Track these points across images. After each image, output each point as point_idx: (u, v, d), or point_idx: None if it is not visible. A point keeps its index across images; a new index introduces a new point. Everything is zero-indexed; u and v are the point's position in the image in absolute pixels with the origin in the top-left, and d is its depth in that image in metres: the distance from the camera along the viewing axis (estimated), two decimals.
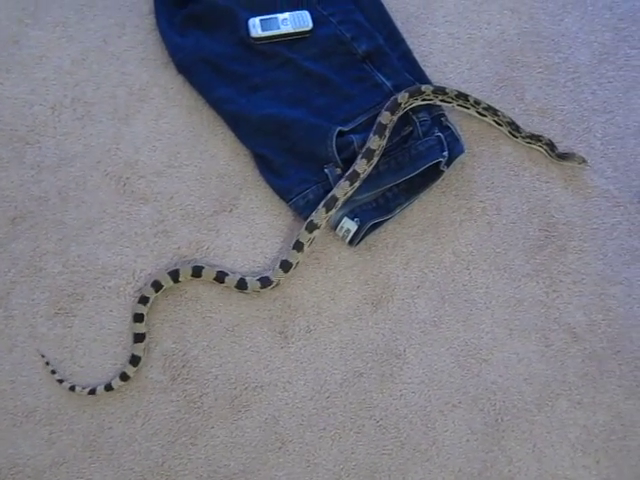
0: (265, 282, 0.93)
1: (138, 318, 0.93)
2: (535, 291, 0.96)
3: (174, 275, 0.94)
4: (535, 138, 0.99)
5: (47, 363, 0.92)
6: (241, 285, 0.93)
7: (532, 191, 0.99)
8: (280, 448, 0.91)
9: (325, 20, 1.03)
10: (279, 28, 1.02)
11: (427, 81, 1.01)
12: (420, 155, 0.94)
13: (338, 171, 0.95)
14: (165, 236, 0.98)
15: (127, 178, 1.00)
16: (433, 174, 0.96)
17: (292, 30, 1.02)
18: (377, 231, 0.97)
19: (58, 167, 1.01)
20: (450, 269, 0.96)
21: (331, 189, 0.94)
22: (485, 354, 0.93)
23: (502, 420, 0.91)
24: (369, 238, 0.96)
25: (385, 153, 0.96)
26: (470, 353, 0.93)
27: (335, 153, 0.95)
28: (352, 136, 0.96)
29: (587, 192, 0.99)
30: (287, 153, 0.97)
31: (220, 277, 0.93)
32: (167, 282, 0.94)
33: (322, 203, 0.93)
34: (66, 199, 0.99)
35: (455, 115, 1.01)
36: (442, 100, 0.98)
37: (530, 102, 1.03)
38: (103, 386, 0.91)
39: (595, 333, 0.94)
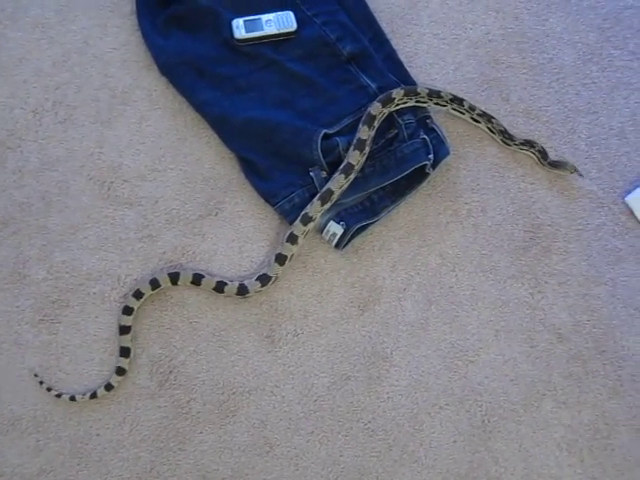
0: (264, 279, 0.93)
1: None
2: (520, 292, 0.96)
3: (174, 277, 0.93)
4: (528, 144, 0.99)
5: (41, 382, 0.92)
6: (242, 291, 0.92)
7: (517, 192, 1.00)
8: (268, 452, 0.91)
9: (309, 21, 1.02)
10: (263, 29, 1.01)
11: (412, 82, 1.01)
12: (405, 158, 0.94)
13: (324, 174, 0.95)
14: (150, 241, 0.97)
15: (111, 182, 0.99)
16: (419, 176, 0.96)
17: (276, 31, 1.01)
18: (363, 234, 0.97)
19: (41, 172, 0.99)
20: (436, 271, 0.97)
21: (317, 193, 0.94)
22: (471, 355, 0.94)
23: (488, 421, 0.92)
24: (356, 241, 0.96)
25: (370, 156, 0.96)
26: (457, 355, 0.94)
27: (320, 156, 0.94)
28: (337, 139, 0.95)
29: (572, 193, 1.00)
30: (272, 156, 0.96)
31: (219, 287, 0.93)
32: (166, 282, 0.93)
33: (317, 196, 0.93)
34: (49, 204, 0.98)
35: (440, 117, 1.01)
36: (436, 103, 0.98)
37: (515, 103, 1.03)
38: (103, 387, 0.91)
39: (580, 334, 0.95)
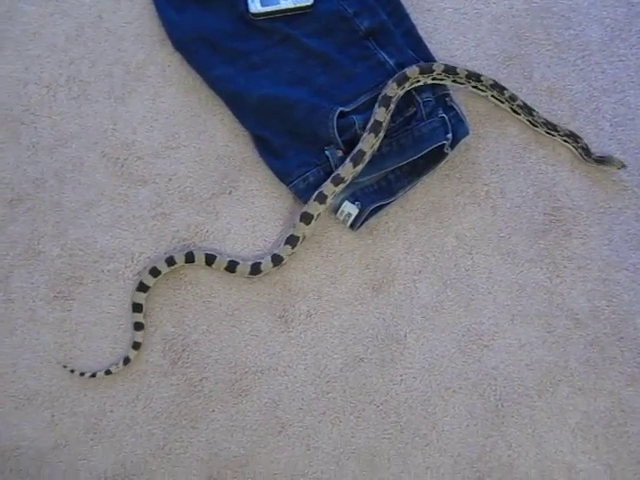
0: (276, 260, 0.92)
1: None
2: (538, 276, 0.94)
3: (189, 257, 0.93)
4: (572, 138, 0.95)
5: (72, 371, 0.92)
6: (254, 271, 0.92)
7: (538, 174, 0.97)
8: (280, 432, 0.91)
9: None
10: (279, 3, 0.98)
11: (432, 59, 0.98)
12: (423, 137, 0.92)
13: (339, 153, 0.93)
14: (164, 219, 0.97)
15: (124, 159, 0.98)
16: (437, 156, 0.94)
17: (292, 5, 0.98)
18: (379, 215, 0.95)
19: (54, 148, 0.99)
20: (452, 254, 0.95)
21: (332, 172, 0.92)
22: (487, 340, 0.93)
23: (502, 406, 0.91)
24: (371, 222, 0.95)
25: (388, 135, 0.94)
26: (471, 339, 0.93)
27: (336, 135, 0.92)
28: (354, 117, 0.93)
29: (594, 175, 0.97)
30: (287, 134, 0.95)
31: (231, 267, 0.92)
32: (181, 261, 0.93)
33: (331, 177, 0.91)
34: (63, 181, 0.98)
35: (460, 95, 0.98)
36: (474, 87, 0.96)
37: (538, 81, 1.00)
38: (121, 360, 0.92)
39: (598, 319, 0.93)
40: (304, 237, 0.92)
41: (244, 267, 0.92)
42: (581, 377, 0.92)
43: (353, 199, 0.93)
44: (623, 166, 0.95)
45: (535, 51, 1.01)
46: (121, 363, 0.91)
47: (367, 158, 0.91)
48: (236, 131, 0.99)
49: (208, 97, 1.00)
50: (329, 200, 0.91)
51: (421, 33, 1.00)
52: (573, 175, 0.97)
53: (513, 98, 0.96)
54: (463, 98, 0.98)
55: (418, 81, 0.94)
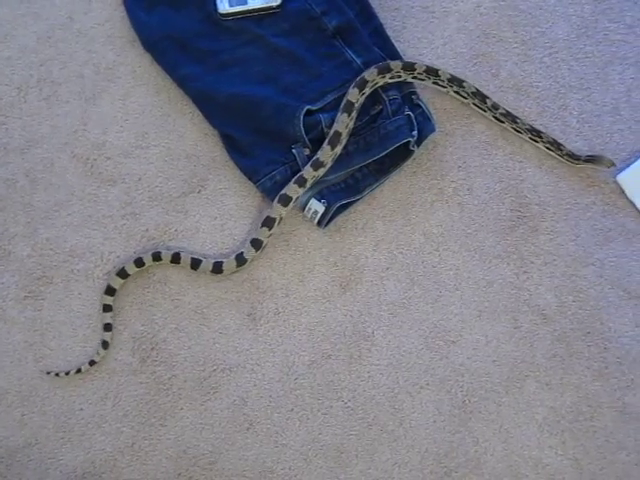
0: (240, 260, 0.92)
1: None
2: (505, 272, 0.95)
3: (156, 256, 0.93)
4: (556, 145, 0.95)
5: (48, 372, 0.93)
6: (216, 269, 0.92)
7: (505, 171, 0.98)
8: (248, 429, 0.92)
9: None
10: (247, 3, 0.99)
11: (399, 57, 0.98)
12: (389, 135, 0.92)
13: (306, 151, 0.94)
14: (133, 218, 0.97)
15: (94, 160, 0.99)
16: (403, 154, 0.94)
17: (260, 5, 0.99)
18: (347, 212, 0.95)
19: (25, 149, 0.99)
20: (420, 250, 0.95)
21: (299, 170, 0.93)
22: (454, 336, 0.93)
23: (469, 401, 0.92)
24: (339, 219, 0.95)
25: (354, 133, 0.94)
26: (439, 335, 0.93)
27: (303, 133, 0.93)
28: (320, 115, 0.94)
29: (561, 172, 0.97)
30: (255, 133, 0.95)
31: (195, 264, 0.93)
32: (149, 261, 0.94)
33: (295, 178, 0.91)
34: (34, 181, 0.98)
35: (428, 92, 0.99)
36: (456, 92, 0.96)
37: (505, 78, 1.00)
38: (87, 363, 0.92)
39: (565, 315, 0.94)
40: (267, 242, 0.93)
41: (207, 265, 0.92)
42: (548, 372, 0.92)
43: (319, 197, 0.93)
44: (612, 164, 0.95)
45: (502, 49, 1.01)
46: (87, 364, 0.92)
47: (328, 164, 0.92)
48: (205, 130, 0.99)
49: (178, 97, 1.00)
50: (291, 204, 0.92)
51: (389, 32, 1.01)
52: (540, 171, 0.98)
53: (495, 106, 0.96)
54: (430, 96, 0.99)
55: (412, 83, 0.95)
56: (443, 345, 0.93)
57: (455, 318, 0.94)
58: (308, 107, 0.94)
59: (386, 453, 0.91)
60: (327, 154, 0.91)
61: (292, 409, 0.92)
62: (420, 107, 0.95)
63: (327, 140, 0.91)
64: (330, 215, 0.93)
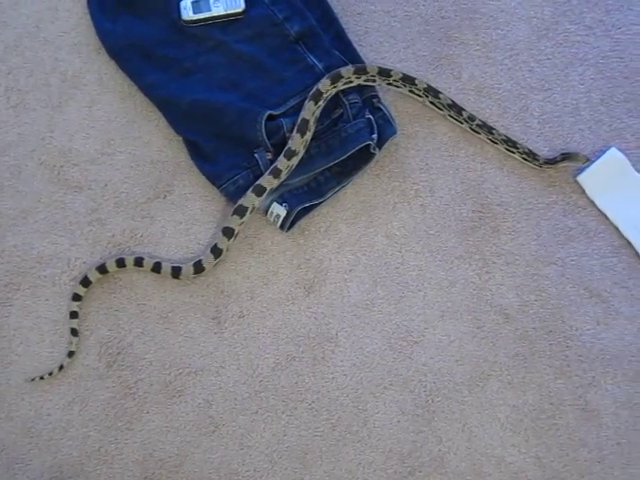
0: (198, 268, 0.93)
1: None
2: (468, 273, 0.96)
3: (120, 262, 0.95)
4: (532, 156, 0.96)
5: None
6: (175, 273, 0.93)
7: (466, 172, 0.99)
8: (214, 432, 0.92)
9: (258, 1, 1.01)
10: (210, 10, 1.00)
11: (361, 61, 0.99)
12: (349, 138, 0.93)
13: (269, 156, 0.95)
14: (99, 224, 0.98)
15: (61, 166, 1.00)
16: (365, 157, 0.95)
17: (224, 12, 1.00)
18: (310, 215, 0.96)
19: None
20: (383, 252, 0.96)
21: (261, 174, 0.94)
22: (416, 336, 0.94)
23: (433, 401, 0.92)
24: (302, 222, 0.96)
25: (316, 136, 0.95)
26: (401, 335, 0.94)
27: (265, 138, 0.94)
28: (282, 120, 0.95)
29: (522, 172, 0.98)
30: (217, 138, 0.96)
31: (156, 268, 0.94)
32: (112, 267, 0.95)
33: (251, 188, 0.92)
34: (1, 189, 0.99)
35: (390, 96, 1.00)
36: (432, 103, 0.98)
37: (466, 80, 1.01)
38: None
39: (527, 314, 0.95)
40: (227, 248, 0.94)
41: (167, 268, 0.93)
42: (510, 371, 0.93)
43: (281, 201, 0.94)
44: (587, 160, 0.96)
45: (463, 51, 1.03)
46: (56, 369, 0.93)
47: (284, 175, 0.93)
48: (170, 136, 1.00)
49: (143, 104, 1.01)
50: (247, 214, 0.92)
51: (352, 36, 1.02)
52: (501, 172, 0.99)
53: (472, 118, 0.96)
54: (393, 99, 1.00)
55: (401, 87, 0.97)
56: (406, 345, 0.94)
57: (418, 318, 0.95)
58: (270, 112, 0.95)
59: (350, 453, 0.91)
60: (284, 164, 0.92)
61: (257, 411, 0.92)
62: (381, 110, 0.97)
63: (282, 154, 0.92)
64: (292, 218, 0.94)
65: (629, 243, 0.96)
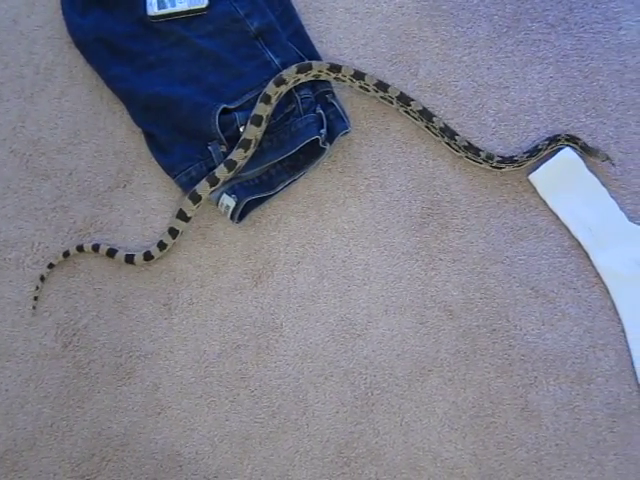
0: (148, 257, 0.97)
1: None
2: (414, 268, 0.96)
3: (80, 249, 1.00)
4: (474, 151, 0.96)
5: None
6: (128, 260, 0.98)
7: (418, 168, 0.99)
8: (159, 413, 0.95)
9: None
10: (175, 6, 1.03)
11: (318, 58, 1.01)
12: (299, 132, 0.95)
13: (222, 148, 0.97)
14: (62, 211, 1.02)
15: (30, 155, 1.05)
16: (316, 151, 0.97)
17: (188, 8, 1.03)
18: (261, 207, 0.99)
19: None
20: (331, 245, 0.98)
21: (215, 167, 0.96)
22: (360, 329, 0.95)
23: (372, 394, 0.94)
24: (254, 214, 0.99)
25: (269, 130, 0.97)
26: (344, 328, 0.95)
27: (218, 130, 0.96)
28: (235, 114, 0.97)
29: (474, 170, 0.98)
30: (173, 131, 0.99)
31: (111, 253, 0.99)
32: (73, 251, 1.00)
33: (204, 179, 0.95)
34: None
35: (346, 92, 1.01)
36: (405, 112, 0.99)
37: (423, 77, 1.02)
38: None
39: (471, 311, 0.95)
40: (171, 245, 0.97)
41: (120, 255, 0.98)
42: (451, 368, 0.93)
43: (230, 192, 0.96)
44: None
45: (422, 48, 1.03)
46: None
47: (239, 168, 0.95)
48: (133, 128, 1.04)
49: (109, 96, 1.05)
50: (189, 215, 0.96)
51: (313, 33, 1.04)
52: (453, 169, 0.99)
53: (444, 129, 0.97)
54: (349, 95, 1.01)
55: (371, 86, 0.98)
56: (349, 338, 0.95)
57: (362, 312, 0.96)
58: (224, 106, 0.97)
59: (289, 441, 0.93)
60: (239, 154, 0.95)
61: (201, 396, 0.95)
62: (334, 106, 0.98)
63: (237, 145, 0.95)
64: (240, 210, 0.96)
65: (579, 244, 0.95)
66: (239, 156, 0.94)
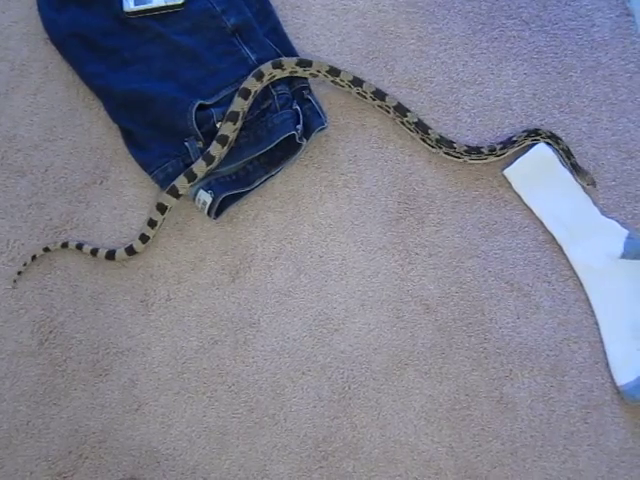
0: (130, 251, 0.97)
1: None
2: (390, 263, 0.97)
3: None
4: (447, 143, 0.97)
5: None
6: (109, 256, 0.97)
7: (395, 164, 1.00)
8: (137, 410, 0.95)
9: None
10: (151, 2, 1.03)
11: (294, 54, 1.01)
12: (275, 128, 0.95)
13: (199, 144, 0.97)
14: (38, 208, 1.02)
15: (5, 151, 1.04)
16: (293, 147, 0.97)
17: (164, 4, 1.03)
18: (239, 203, 0.99)
19: None
20: (308, 241, 0.98)
21: (191, 163, 0.96)
22: (337, 324, 0.96)
23: (349, 388, 0.94)
24: (231, 210, 0.99)
25: (245, 126, 0.97)
26: (321, 323, 0.96)
27: (195, 127, 0.96)
28: (212, 110, 0.97)
29: (450, 165, 0.99)
30: (150, 127, 0.99)
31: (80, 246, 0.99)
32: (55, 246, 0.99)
33: (183, 173, 0.95)
34: None
35: (323, 88, 1.02)
36: (380, 106, 0.99)
37: (399, 74, 1.02)
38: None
39: (447, 305, 0.96)
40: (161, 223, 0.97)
41: (102, 252, 0.97)
42: (428, 361, 0.94)
43: (207, 188, 0.96)
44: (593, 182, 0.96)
45: (398, 45, 1.04)
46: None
47: (215, 163, 0.95)
48: (110, 124, 1.03)
49: (86, 92, 1.05)
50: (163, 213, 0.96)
51: (290, 29, 1.04)
52: (429, 165, 1.00)
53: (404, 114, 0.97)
54: (326, 92, 1.02)
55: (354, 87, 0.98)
56: (326, 333, 0.96)
57: (339, 307, 0.96)
58: (200, 102, 0.97)
59: (267, 436, 0.93)
60: (217, 149, 0.95)
61: (179, 392, 0.95)
62: (310, 102, 0.98)
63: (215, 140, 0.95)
64: (217, 205, 0.96)
65: (553, 238, 0.96)
66: (217, 151, 0.94)
